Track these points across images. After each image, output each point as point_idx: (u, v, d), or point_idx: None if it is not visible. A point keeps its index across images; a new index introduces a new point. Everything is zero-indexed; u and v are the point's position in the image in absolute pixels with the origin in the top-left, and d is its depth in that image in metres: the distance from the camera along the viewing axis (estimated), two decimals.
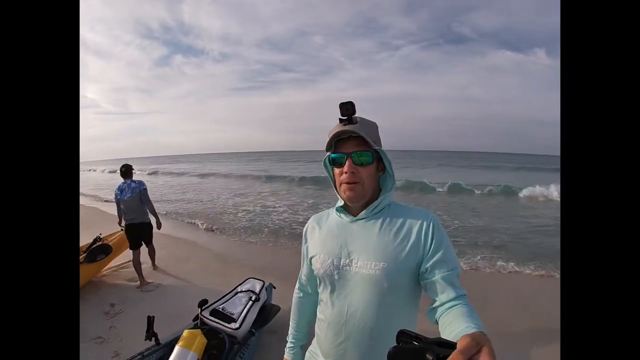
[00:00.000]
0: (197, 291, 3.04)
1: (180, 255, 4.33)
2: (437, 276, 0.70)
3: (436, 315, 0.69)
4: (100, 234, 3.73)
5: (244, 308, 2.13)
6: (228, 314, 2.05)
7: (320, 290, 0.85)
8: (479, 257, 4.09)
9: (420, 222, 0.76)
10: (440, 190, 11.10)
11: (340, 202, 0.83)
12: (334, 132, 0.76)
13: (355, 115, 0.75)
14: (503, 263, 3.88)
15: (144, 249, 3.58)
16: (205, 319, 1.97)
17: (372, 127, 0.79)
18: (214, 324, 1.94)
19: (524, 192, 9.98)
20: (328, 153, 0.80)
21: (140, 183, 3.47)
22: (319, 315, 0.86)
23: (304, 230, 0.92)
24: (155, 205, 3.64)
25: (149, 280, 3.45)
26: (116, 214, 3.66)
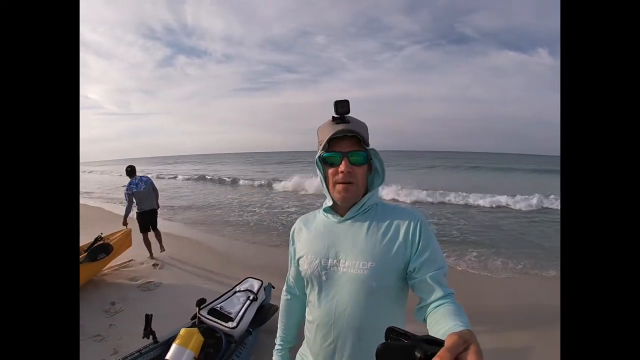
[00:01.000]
0: (197, 290, 3.04)
1: (181, 255, 4.35)
2: (425, 275, 0.71)
3: (424, 314, 0.70)
4: (102, 233, 3.76)
5: (242, 307, 2.14)
6: (226, 313, 2.07)
7: (308, 291, 0.84)
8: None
9: (407, 221, 0.76)
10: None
11: (328, 203, 0.82)
12: (328, 130, 0.75)
13: (348, 115, 0.75)
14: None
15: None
16: (203, 317, 1.99)
17: (364, 127, 0.79)
18: (211, 322, 1.96)
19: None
20: (320, 151, 0.78)
21: (147, 177, 4.25)
22: (307, 316, 0.85)
23: (291, 231, 0.92)
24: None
25: (150, 280, 3.47)
26: (122, 213, 4.12)
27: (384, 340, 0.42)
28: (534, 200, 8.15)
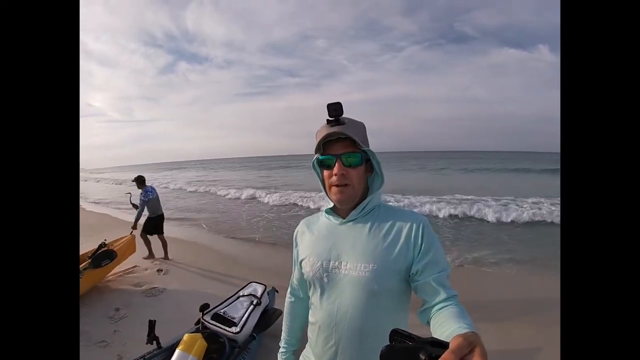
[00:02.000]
0: (201, 295, 3.05)
1: (186, 260, 4.37)
2: (428, 278, 0.70)
3: (428, 316, 0.70)
4: (105, 239, 3.80)
5: (245, 312, 2.13)
6: (229, 318, 2.06)
7: (310, 293, 0.84)
8: None
9: (410, 224, 0.75)
10: None
11: (329, 205, 0.83)
12: (322, 133, 0.75)
13: (343, 116, 0.74)
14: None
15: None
16: (206, 323, 1.99)
17: (360, 127, 0.78)
18: (215, 327, 1.96)
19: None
20: (316, 155, 0.79)
21: (153, 186, 4.64)
22: (310, 318, 0.85)
23: (294, 234, 0.92)
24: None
25: (154, 285, 3.48)
26: (133, 218, 4.42)
27: (387, 343, 0.42)
28: None
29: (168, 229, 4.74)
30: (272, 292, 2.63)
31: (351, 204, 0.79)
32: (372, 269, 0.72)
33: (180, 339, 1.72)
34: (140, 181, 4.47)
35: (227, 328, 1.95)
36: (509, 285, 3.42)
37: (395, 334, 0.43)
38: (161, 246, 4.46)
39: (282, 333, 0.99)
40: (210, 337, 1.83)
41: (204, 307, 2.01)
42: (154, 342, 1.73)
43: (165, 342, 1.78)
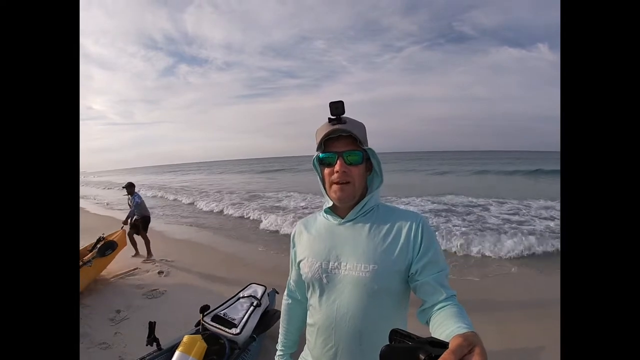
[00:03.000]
0: (202, 297, 3.04)
1: (186, 262, 4.38)
2: (427, 277, 0.70)
3: (427, 316, 0.69)
4: (103, 233, 4.22)
5: (245, 313, 2.13)
6: (229, 319, 2.06)
7: (309, 295, 0.83)
8: None
9: (409, 223, 0.75)
10: None
11: (328, 204, 0.82)
12: (324, 131, 0.75)
13: (344, 116, 0.74)
14: None
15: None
16: (206, 324, 1.99)
17: (361, 127, 0.78)
18: (215, 329, 1.95)
19: None
20: (317, 152, 0.78)
21: (138, 193, 5.16)
22: (308, 320, 0.84)
23: (292, 234, 0.91)
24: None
25: (155, 287, 3.49)
26: (117, 216, 4.84)
27: (387, 343, 0.41)
28: None
29: (168, 229, 4.88)
30: (273, 293, 2.62)
31: (351, 202, 0.78)
32: (372, 269, 0.71)
33: (180, 341, 1.71)
34: (131, 187, 5.06)
35: (227, 329, 1.94)
36: (509, 284, 3.40)
37: (395, 334, 0.43)
38: (144, 243, 4.87)
39: (279, 335, 0.99)
40: (210, 338, 1.83)
41: (204, 309, 2.01)
42: (154, 343, 1.72)
43: (165, 343, 1.78)
